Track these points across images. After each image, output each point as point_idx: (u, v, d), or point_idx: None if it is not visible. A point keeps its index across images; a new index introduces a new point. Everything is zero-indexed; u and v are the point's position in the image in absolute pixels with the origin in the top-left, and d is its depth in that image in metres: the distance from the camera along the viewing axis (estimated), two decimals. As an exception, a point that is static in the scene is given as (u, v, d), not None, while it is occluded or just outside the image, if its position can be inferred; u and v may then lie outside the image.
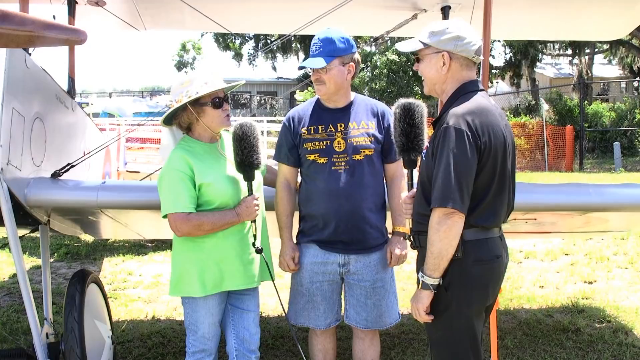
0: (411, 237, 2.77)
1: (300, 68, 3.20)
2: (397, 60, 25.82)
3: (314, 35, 3.19)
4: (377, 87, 26.22)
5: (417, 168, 2.79)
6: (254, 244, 3.03)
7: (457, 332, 2.59)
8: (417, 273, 2.66)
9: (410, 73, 25.44)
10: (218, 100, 2.99)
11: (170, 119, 3.07)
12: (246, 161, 2.91)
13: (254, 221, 3.03)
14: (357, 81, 24.85)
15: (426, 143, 2.71)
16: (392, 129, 2.84)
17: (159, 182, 3.00)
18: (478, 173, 2.46)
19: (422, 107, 2.71)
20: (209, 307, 3.03)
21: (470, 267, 2.53)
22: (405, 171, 2.83)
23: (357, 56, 3.24)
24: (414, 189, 2.76)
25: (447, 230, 2.44)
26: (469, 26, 2.62)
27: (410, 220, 2.79)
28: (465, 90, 2.60)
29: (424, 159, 2.68)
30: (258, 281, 3.14)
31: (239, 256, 3.03)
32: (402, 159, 2.78)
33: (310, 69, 3.17)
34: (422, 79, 2.72)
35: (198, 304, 3.02)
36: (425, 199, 2.60)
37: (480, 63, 2.72)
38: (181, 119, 3.04)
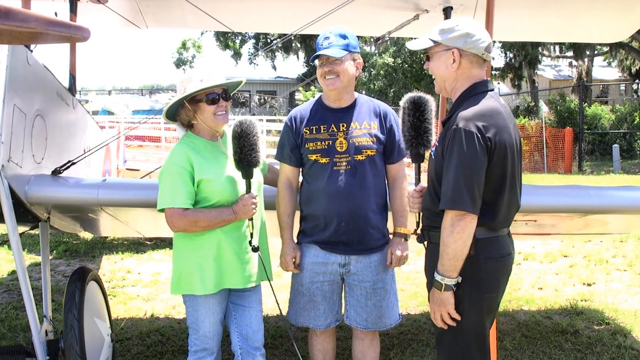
0: (418, 232, 2.79)
1: (313, 59, 3.17)
2: (392, 64, 25.93)
3: (314, 35, 3.19)
4: (374, 87, 26.32)
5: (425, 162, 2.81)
6: (250, 242, 3.02)
7: (466, 329, 2.59)
8: (426, 272, 2.68)
9: (408, 75, 25.49)
10: (213, 96, 3.00)
11: (174, 116, 3.09)
12: (244, 159, 2.91)
13: (252, 219, 3.03)
14: (357, 82, 25.07)
15: (434, 138, 2.73)
16: (397, 125, 2.83)
17: (159, 176, 3.02)
18: (488, 175, 2.47)
19: (431, 101, 2.75)
20: (209, 306, 3.03)
21: (483, 264, 2.55)
22: (413, 166, 2.84)
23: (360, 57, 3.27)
24: (422, 184, 2.78)
25: (460, 231, 2.45)
26: (477, 24, 2.63)
27: (418, 215, 2.81)
28: (476, 91, 2.60)
29: (432, 157, 2.69)
30: (257, 281, 3.13)
31: (236, 254, 3.03)
32: (409, 153, 2.81)
33: (320, 63, 3.15)
34: (433, 77, 2.71)
35: (199, 302, 3.02)
36: (434, 197, 2.61)
37: (490, 61, 2.73)
38: (181, 116, 3.07)
